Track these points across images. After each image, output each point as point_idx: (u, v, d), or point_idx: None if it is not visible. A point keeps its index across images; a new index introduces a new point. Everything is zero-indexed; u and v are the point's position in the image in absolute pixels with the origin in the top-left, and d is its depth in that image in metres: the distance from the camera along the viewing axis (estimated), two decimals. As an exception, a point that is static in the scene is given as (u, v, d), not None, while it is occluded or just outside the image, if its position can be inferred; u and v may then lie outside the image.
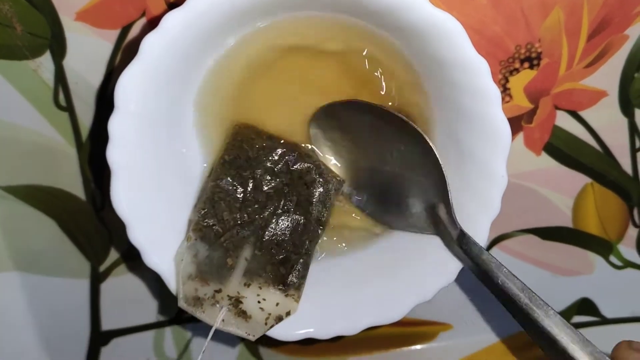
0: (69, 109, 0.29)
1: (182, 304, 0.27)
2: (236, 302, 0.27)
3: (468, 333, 0.34)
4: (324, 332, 0.28)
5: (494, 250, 0.33)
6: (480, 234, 0.26)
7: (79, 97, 0.29)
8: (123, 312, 0.33)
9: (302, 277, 0.28)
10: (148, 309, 0.33)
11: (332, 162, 0.29)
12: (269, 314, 0.27)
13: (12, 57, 0.28)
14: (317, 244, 0.29)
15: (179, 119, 0.27)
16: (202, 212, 0.27)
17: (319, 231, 0.28)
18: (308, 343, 0.30)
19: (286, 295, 0.27)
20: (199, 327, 0.34)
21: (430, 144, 0.26)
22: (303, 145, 0.29)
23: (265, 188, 0.28)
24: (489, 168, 0.26)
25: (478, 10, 0.28)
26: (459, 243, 0.26)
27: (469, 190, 0.27)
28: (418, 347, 0.34)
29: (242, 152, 0.28)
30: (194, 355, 0.34)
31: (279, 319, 0.27)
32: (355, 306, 0.28)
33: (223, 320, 0.27)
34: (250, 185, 0.28)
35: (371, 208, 0.29)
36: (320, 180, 0.28)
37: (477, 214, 0.27)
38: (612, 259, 0.34)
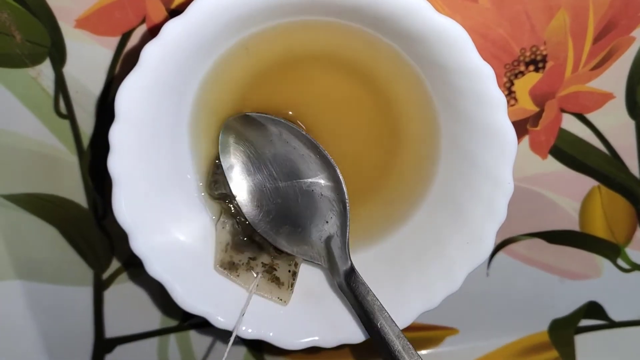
0: (70, 116, 0.29)
1: (217, 268, 0.28)
2: (270, 268, 0.28)
3: (474, 337, 0.34)
4: (329, 340, 0.28)
5: (500, 255, 0.33)
6: (486, 242, 0.26)
7: (80, 105, 0.29)
8: (127, 319, 0.33)
9: None
10: (152, 316, 0.33)
11: (235, 169, 0.28)
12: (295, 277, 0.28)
13: (11, 65, 0.28)
14: None
15: (181, 127, 0.27)
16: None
17: None
18: (313, 351, 0.29)
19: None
20: (204, 334, 0.34)
21: (340, 176, 0.26)
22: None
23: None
24: (494, 175, 0.26)
25: (482, 14, 0.28)
26: (347, 279, 0.26)
27: (474, 198, 0.26)
28: (424, 352, 0.34)
29: None
30: (198, 362, 0.34)
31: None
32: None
33: (257, 285, 0.28)
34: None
35: (264, 227, 0.28)
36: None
37: (483, 222, 0.26)
38: (620, 262, 0.33)
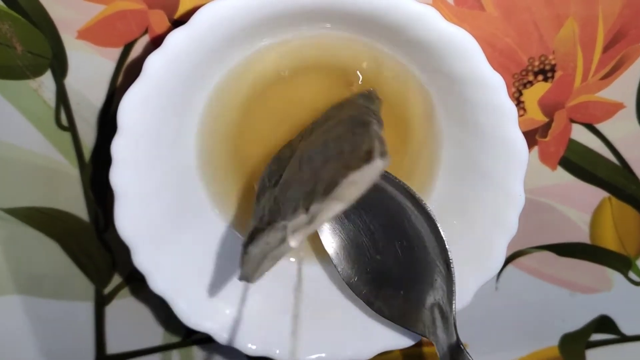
0: (71, 129, 0.29)
1: None
2: None
3: (483, 353, 0.34)
4: (336, 357, 0.27)
5: (509, 268, 0.32)
6: (496, 256, 0.26)
7: (81, 117, 0.29)
8: (129, 335, 0.32)
9: None
10: (155, 332, 0.33)
11: (327, 228, 0.26)
12: None
13: (12, 76, 0.28)
14: None
15: (185, 139, 0.27)
16: None
17: None
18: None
19: None
20: (208, 350, 0.33)
21: (445, 241, 0.24)
22: None
23: None
24: (505, 187, 0.25)
25: (490, 23, 0.28)
26: (452, 356, 0.24)
27: (484, 211, 0.26)
28: (432, 367, 0.34)
29: None
30: (201, 379, 0.33)
31: None
32: (368, 330, 0.27)
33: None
34: None
35: (361, 288, 0.26)
36: None
37: (493, 235, 0.26)
38: (631, 275, 0.33)
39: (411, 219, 0.25)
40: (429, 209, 0.24)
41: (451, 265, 0.24)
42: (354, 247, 0.26)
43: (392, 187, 0.25)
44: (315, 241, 0.28)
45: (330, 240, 0.26)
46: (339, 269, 0.26)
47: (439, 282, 0.25)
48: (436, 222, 0.24)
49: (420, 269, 0.25)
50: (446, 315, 0.25)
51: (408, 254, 0.25)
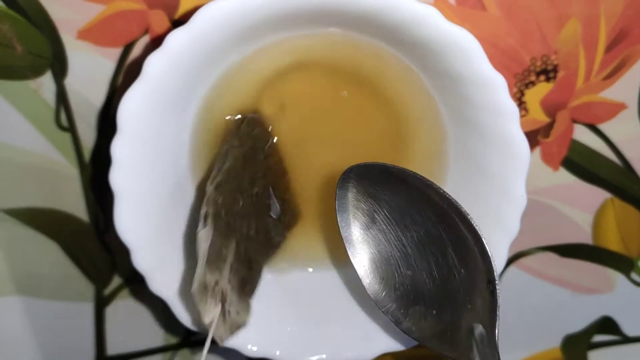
0: (71, 129, 0.29)
1: (194, 289, 0.23)
2: (223, 297, 0.23)
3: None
4: (337, 358, 0.27)
5: (511, 269, 0.32)
6: (498, 256, 0.25)
7: (81, 117, 0.29)
8: (129, 336, 0.32)
9: (252, 293, 0.24)
10: (155, 333, 0.32)
11: (354, 230, 0.24)
12: (233, 321, 0.24)
13: (12, 77, 0.28)
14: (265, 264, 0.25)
15: (184, 140, 0.27)
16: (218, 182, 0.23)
17: (269, 251, 0.25)
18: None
19: (242, 307, 0.24)
20: (208, 351, 0.33)
21: (492, 260, 0.21)
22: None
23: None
24: (507, 187, 0.25)
25: (492, 23, 0.28)
26: None
27: (486, 210, 0.26)
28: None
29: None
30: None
31: (238, 328, 0.23)
32: (370, 331, 0.27)
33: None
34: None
35: (388, 305, 0.24)
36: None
37: (495, 235, 0.25)
38: (634, 276, 0.33)
39: (456, 235, 0.23)
40: (475, 225, 0.22)
41: (497, 287, 0.22)
42: (383, 261, 0.24)
43: (439, 199, 0.23)
44: (323, 244, 0.28)
45: (357, 251, 0.25)
46: (365, 282, 0.24)
47: (480, 303, 0.22)
48: (483, 239, 0.22)
49: (458, 288, 0.23)
50: (487, 339, 0.22)
51: (444, 271, 0.23)
